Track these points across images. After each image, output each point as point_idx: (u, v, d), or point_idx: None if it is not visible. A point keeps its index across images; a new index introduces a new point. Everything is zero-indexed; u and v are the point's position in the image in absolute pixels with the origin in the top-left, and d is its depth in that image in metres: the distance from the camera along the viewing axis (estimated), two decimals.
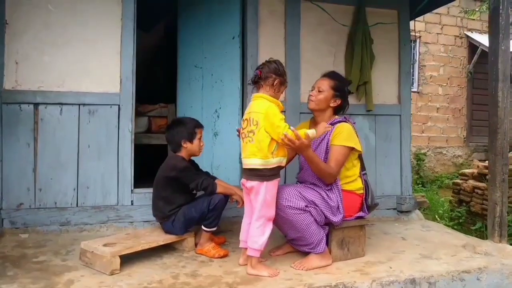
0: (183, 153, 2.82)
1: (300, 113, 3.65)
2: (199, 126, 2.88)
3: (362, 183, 2.75)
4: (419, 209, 4.13)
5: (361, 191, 2.74)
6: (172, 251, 2.79)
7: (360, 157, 2.78)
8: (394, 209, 3.93)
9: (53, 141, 3.15)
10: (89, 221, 3.19)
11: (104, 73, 3.25)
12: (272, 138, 2.37)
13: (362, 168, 2.79)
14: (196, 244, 2.84)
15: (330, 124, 2.68)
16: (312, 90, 2.76)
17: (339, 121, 2.71)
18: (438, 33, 9.48)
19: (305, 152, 2.45)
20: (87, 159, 3.21)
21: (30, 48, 3.13)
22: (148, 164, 3.45)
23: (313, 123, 2.82)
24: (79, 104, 3.20)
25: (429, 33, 9.37)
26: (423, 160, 9.08)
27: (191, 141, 2.81)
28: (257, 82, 2.50)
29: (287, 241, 2.78)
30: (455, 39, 9.67)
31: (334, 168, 2.56)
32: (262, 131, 2.37)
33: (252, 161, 2.40)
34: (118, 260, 2.39)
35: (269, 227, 2.43)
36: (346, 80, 2.87)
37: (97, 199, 3.23)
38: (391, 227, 3.62)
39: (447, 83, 9.63)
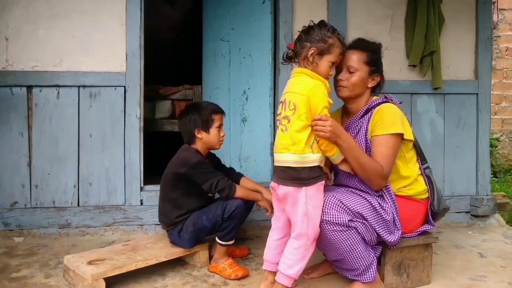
0: (198, 145, 2.25)
1: None
2: (218, 111, 2.28)
3: (425, 183, 2.03)
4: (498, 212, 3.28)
5: (425, 196, 2.02)
6: (180, 267, 2.24)
7: (415, 147, 2.05)
8: (467, 212, 3.12)
9: (49, 130, 2.69)
10: (92, 223, 2.72)
11: (107, 49, 2.72)
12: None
13: (422, 161, 2.07)
14: (211, 258, 2.27)
15: (366, 109, 2.00)
16: (339, 73, 1.99)
17: (378, 103, 1.99)
18: None
19: (341, 138, 1.79)
20: (89, 151, 2.72)
21: (22, 21, 2.66)
22: (172, 154, 2.93)
23: (345, 114, 2.12)
24: (78, 86, 2.70)
25: None
26: (496, 147, 7.87)
27: (207, 130, 2.22)
28: (291, 59, 1.90)
29: (326, 260, 2.13)
30: None
31: (383, 165, 1.86)
32: (300, 118, 1.76)
33: (284, 157, 1.79)
34: (102, 285, 1.87)
35: (311, 249, 1.81)
36: (377, 44, 2.09)
37: (101, 197, 2.74)
38: (464, 237, 2.84)
39: None
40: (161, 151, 2.88)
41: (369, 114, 1.96)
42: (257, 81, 3.11)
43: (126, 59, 2.72)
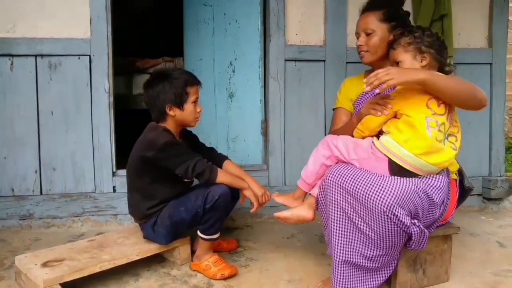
0: (169, 124, 1.87)
1: (347, 63, 2.59)
2: (194, 83, 1.88)
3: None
4: None
5: (455, 176, 1.77)
6: (157, 265, 1.92)
7: None
8: (478, 195, 2.83)
9: (3, 108, 2.30)
10: (58, 214, 2.37)
11: (68, 11, 2.32)
12: None
13: None
14: (193, 253, 1.94)
15: None
16: (357, 38, 1.84)
17: None
18: None
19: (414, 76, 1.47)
20: (51, 132, 2.35)
21: None
22: None
23: None
24: (35, 56, 2.31)
25: None
26: None
27: (180, 106, 1.83)
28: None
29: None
30: None
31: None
32: None
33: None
34: None
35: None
36: (396, 1, 1.83)
37: (68, 184, 2.39)
38: (477, 222, 2.56)
39: None
40: (139, 130, 2.54)
41: None
42: (244, 50, 2.74)
43: (91, 23, 2.33)
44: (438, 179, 1.55)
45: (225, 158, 2.07)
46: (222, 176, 1.81)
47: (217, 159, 2.04)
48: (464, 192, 1.79)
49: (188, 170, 1.77)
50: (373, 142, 1.56)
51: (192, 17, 3.12)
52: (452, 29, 2.64)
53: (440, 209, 1.54)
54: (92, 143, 2.38)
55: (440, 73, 1.53)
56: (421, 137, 1.48)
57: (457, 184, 1.76)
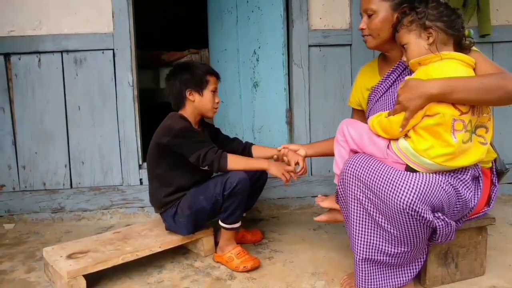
0: (187, 111, 1.88)
1: None
2: (213, 73, 1.91)
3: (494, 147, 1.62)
4: None
5: (489, 165, 1.60)
6: (181, 257, 1.92)
7: None
8: None
9: (33, 104, 2.37)
10: (88, 207, 2.43)
11: (90, 7, 2.35)
12: None
13: None
14: (217, 245, 1.93)
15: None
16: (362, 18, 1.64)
17: None
18: None
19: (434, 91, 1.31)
20: (79, 126, 2.40)
21: None
22: None
23: (385, 63, 1.71)
24: (61, 52, 2.35)
25: None
26: None
27: (200, 92, 1.85)
28: None
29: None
30: None
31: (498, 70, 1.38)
32: None
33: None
34: (82, 283, 1.56)
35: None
36: None
37: (96, 178, 2.43)
38: None
39: None
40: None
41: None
42: (268, 38, 2.67)
43: (113, 17, 2.34)
44: (464, 171, 1.41)
45: (251, 144, 2.07)
46: (233, 163, 1.79)
47: (243, 148, 2.05)
48: (498, 176, 1.63)
49: (199, 160, 1.76)
50: (389, 143, 1.43)
51: (215, 7, 3.09)
52: (489, 4, 2.46)
53: (471, 202, 1.42)
54: (118, 136, 2.41)
55: (458, 77, 1.32)
56: (445, 144, 1.32)
57: (492, 172, 1.60)
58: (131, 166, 2.43)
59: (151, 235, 1.89)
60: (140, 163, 2.45)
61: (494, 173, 1.61)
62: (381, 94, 1.65)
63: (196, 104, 1.86)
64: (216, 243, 1.95)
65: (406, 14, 1.46)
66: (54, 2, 2.33)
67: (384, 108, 1.57)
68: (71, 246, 1.77)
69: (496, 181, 1.61)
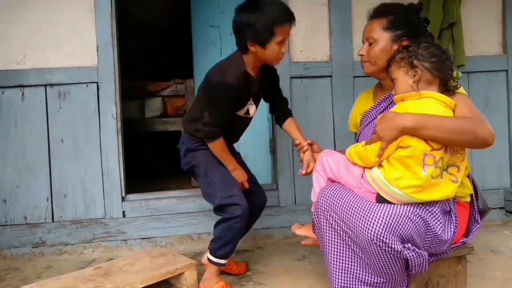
0: (250, 57, 1.77)
1: (354, 77, 2.55)
2: (284, 21, 1.68)
3: (470, 182, 1.64)
4: None
5: (468, 198, 1.62)
6: None
7: None
8: (501, 208, 2.70)
9: (16, 137, 2.36)
10: (69, 241, 2.39)
11: (75, 41, 2.38)
12: None
13: None
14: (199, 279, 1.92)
15: None
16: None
17: None
18: None
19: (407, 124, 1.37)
20: (62, 159, 2.39)
21: None
22: (165, 156, 2.56)
23: (380, 90, 1.78)
24: (45, 85, 2.37)
25: None
26: None
27: (262, 45, 1.69)
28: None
29: None
30: None
31: (475, 115, 1.42)
32: None
33: None
34: None
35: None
36: (405, 5, 1.69)
37: (78, 211, 2.41)
38: (500, 238, 2.43)
39: None
40: (155, 153, 2.55)
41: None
42: None
43: (97, 51, 2.37)
44: (433, 204, 1.43)
45: (290, 115, 2.01)
46: (213, 147, 1.84)
47: (284, 113, 2.02)
48: (481, 214, 1.66)
49: (202, 121, 1.81)
50: (363, 173, 1.47)
51: (200, 39, 3.15)
52: (463, 37, 2.56)
53: (443, 234, 1.43)
54: (101, 169, 2.40)
55: (433, 115, 1.36)
56: (415, 177, 1.36)
57: (473, 207, 1.62)
58: (114, 199, 2.42)
59: (132, 270, 1.86)
60: (123, 195, 2.44)
61: (476, 209, 1.63)
62: (372, 119, 1.71)
63: (258, 55, 1.73)
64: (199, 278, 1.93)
65: (399, 51, 1.53)
66: (40, 36, 2.36)
67: (372, 133, 1.61)
68: (50, 283, 1.74)
69: (479, 219, 1.63)
